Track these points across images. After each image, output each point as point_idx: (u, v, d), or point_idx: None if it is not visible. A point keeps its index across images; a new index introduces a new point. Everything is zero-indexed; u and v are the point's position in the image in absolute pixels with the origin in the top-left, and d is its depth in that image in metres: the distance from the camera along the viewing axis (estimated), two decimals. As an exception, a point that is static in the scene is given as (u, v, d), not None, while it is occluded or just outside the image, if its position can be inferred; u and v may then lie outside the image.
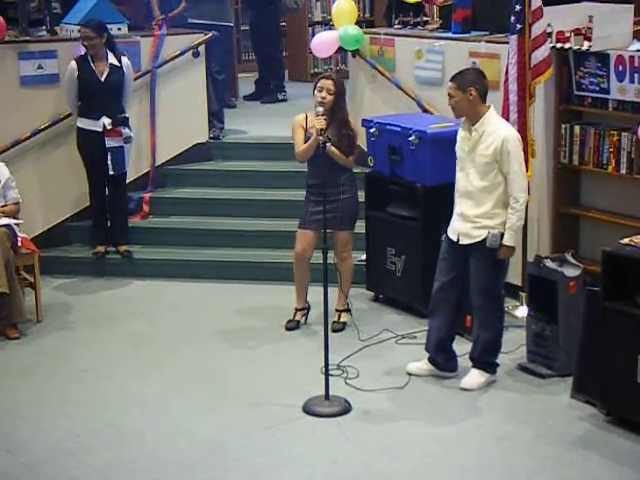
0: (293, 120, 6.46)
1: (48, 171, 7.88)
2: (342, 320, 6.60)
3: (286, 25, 11.77)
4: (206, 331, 6.68)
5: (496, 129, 5.51)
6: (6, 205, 6.83)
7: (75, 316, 7.02)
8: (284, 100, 10.24)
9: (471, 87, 5.49)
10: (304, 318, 6.66)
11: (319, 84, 6.28)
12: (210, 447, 5.16)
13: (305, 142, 6.34)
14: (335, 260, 6.50)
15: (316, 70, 11.54)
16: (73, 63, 7.48)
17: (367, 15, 11.89)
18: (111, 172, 7.52)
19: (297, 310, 6.66)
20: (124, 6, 8.37)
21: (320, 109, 6.10)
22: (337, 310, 6.61)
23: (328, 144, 5.99)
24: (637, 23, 6.44)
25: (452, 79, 5.59)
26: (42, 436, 5.31)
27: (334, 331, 6.46)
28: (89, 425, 5.42)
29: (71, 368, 6.15)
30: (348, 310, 6.63)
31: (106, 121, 7.43)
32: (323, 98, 6.23)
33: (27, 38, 7.84)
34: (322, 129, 5.95)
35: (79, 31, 7.50)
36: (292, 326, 6.62)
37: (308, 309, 6.66)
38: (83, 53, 7.54)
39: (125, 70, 7.56)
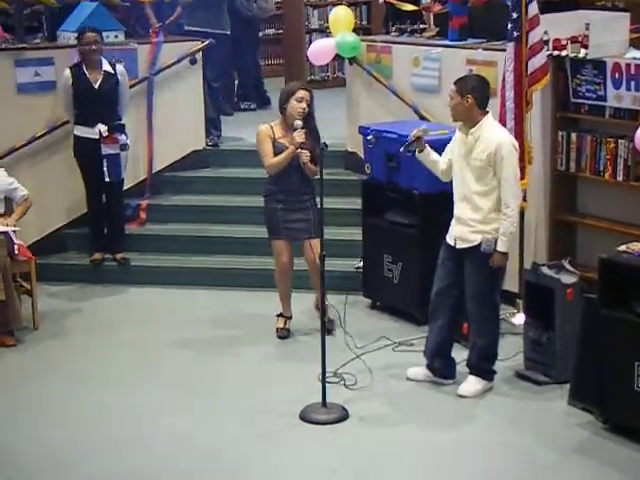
0: (258, 131, 6.45)
1: (45, 178, 7.88)
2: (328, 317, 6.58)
3: (282, 33, 11.79)
4: (203, 338, 6.67)
5: (491, 135, 5.52)
6: (18, 205, 6.94)
7: (72, 323, 7.01)
8: (248, 110, 10.22)
9: (469, 94, 5.50)
10: None
11: (299, 94, 6.29)
12: (207, 455, 5.15)
13: (275, 153, 6.32)
14: (309, 268, 6.49)
15: (313, 77, 11.56)
16: (67, 71, 7.48)
17: (364, 22, 11.91)
18: (107, 179, 7.52)
19: (287, 318, 6.66)
20: (119, 13, 8.37)
21: (299, 122, 6.13)
22: (318, 308, 6.55)
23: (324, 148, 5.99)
24: (633, 31, 6.45)
25: (455, 82, 5.61)
26: (38, 444, 5.30)
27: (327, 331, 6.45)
28: (85, 433, 5.41)
29: (67, 376, 6.14)
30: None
31: (102, 128, 7.43)
32: (303, 109, 6.27)
33: (24, 45, 7.85)
34: (302, 142, 6.02)
35: (84, 36, 7.42)
36: (285, 334, 6.61)
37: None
38: (77, 61, 7.53)
39: (120, 77, 7.56)
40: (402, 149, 5.81)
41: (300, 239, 6.48)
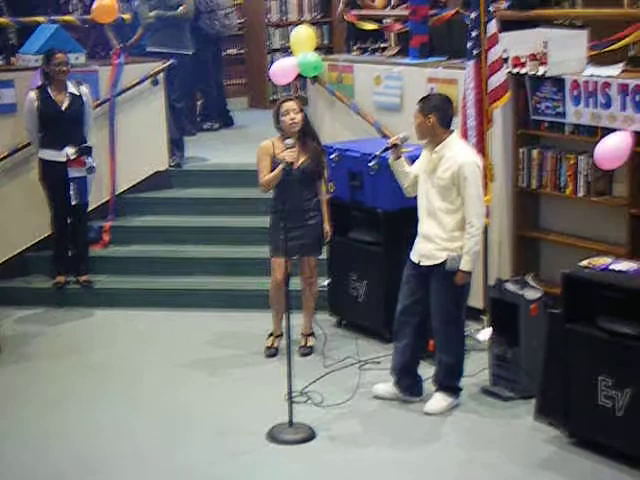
0: (259, 147, 6.39)
1: (6, 201, 7.82)
2: (309, 344, 6.61)
3: (245, 52, 11.81)
4: (170, 360, 6.63)
5: (455, 154, 5.55)
6: None
7: (36, 348, 6.94)
8: (211, 130, 10.22)
9: (431, 113, 5.53)
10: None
11: (282, 109, 6.25)
12: (176, 477, 5.11)
13: (273, 169, 6.24)
14: (301, 286, 6.51)
15: (275, 97, 11.56)
16: (32, 94, 7.43)
17: (326, 42, 11.96)
18: (74, 202, 7.47)
19: (276, 337, 6.62)
20: (79, 35, 8.36)
21: (290, 141, 5.92)
22: (303, 334, 6.62)
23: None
24: (591, 48, 6.53)
25: (418, 102, 5.64)
26: (5, 470, 5.23)
27: (302, 355, 6.49)
28: (52, 457, 5.35)
29: (33, 401, 6.08)
30: (313, 334, 6.64)
31: (69, 151, 7.39)
32: (292, 119, 6.22)
33: (-17, 68, 7.81)
34: (291, 163, 5.86)
35: (54, 57, 7.36)
36: (273, 353, 6.58)
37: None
38: (40, 83, 7.50)
39: (85, 99, 7.53)
40: (378, 153, 5.80)
41: (299, 255, 6.42)
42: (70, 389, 6.22)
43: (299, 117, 6.25)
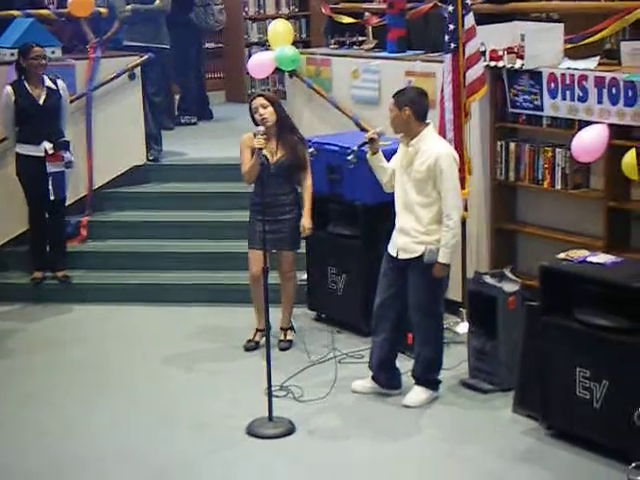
0: (240, 140, 6.42)
1: (-17, 197, 7.78)
2: (288, 338, 6.61)
3: (222, 46, 11.77)
4: (148, 355, 6.61)
5: (431, 146, 5.55)
6: None
7: (14, 344, 6.90)
8: (189, 124, 10.20)
9: (406, 106, 5.54)
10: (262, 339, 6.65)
11: (253, 105, 6.29)
12: (155, 473, 5.10)
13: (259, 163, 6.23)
14: (280, 280, 6.51)
15: (253, 91, 11.53)
16: (9, 88, 7.37)
17: (303, 35, 11.95)
18: (52, 197, 7.43)
19: (258, 331, 6.61)
20: (54, 29, 8.30)
21: (260, 128, 6.03)
22: (282, 329, 6.62)
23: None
24: (567, 41, 6.55)
25: (393, 95, 5.64)
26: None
27: (281, 349, 6.50)
28: (31, 454, 5.33)
29: (11, 397, 6.05)
30: (292, 328, 6.64)
31: (47, 146, 7.34)
32: (262, 115, 6.24)
33: (-41, 62, 7.74)
34: (260, 148, 5.92)
35: (32, 50, 7.30)
36: (251, 346, 6.58)
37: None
38: (16, 77, 7.44)
39: (62, 93, 7.49)
40: (355, 148, 5.80)
41: (275, 249, 6.42)
42: (47, 385, 6.19)
43: (268, 112, 6.25)
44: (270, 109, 6.26)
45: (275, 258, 6.51)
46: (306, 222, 6.42)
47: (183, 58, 10.00)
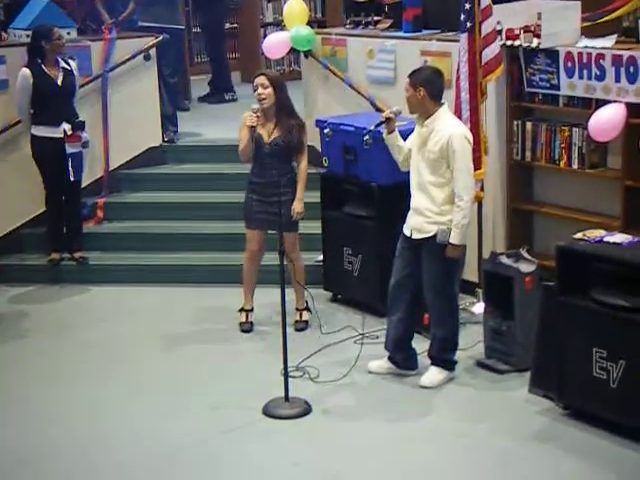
0: (242, 117, 6.41)
1: (0, 178, 7.79)
2: (304, 319, 6.63)
3: (238, 27, 11.74)
4: (164, 336, 6.64)
5: (445, 126, 5.53)
6: None
7: (31, 324, 6.94)
8: (232, 100, 10.21)
9: (421, 85, 5.51)
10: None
11: (254, 84, 6.30)
12: (170, 452, 5.13)
13: (252, 141, 6.30)
14: (285, 262, 6.51)
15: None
16: (26, 70, 7.35)
17: (319, 15, 11.89)
18: (72, 178, 7.44)
19: (248, 311, 6.65)
20: (69, 10, 8.31)
21: (255, 106, 6.12)
22: (298, 309, 6.63)
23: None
24: (584, 19, 6.50)
25: (409, 75, 5.62)
26: (0, 448, 5.25)
27: (297, 330, 6.52)
28: (47, 433, 5.37)
29: (29, 377, 6.09)
30: (307, 308, 6.65)
31: (66, 127, 7.35)
32: (260, 94, 6.25)
33: (-26, 44, 7.75)
34: (252, 126, 6.04)
35: (52, 32, 7.30)
36: (248, 328, 6.62)
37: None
38: (29, 59, 7.41)
39: (75, 73, 7.51)
40: (372, 127, 5.79)
41: (272, 230, 6.43)
42: (64, 366, 6.23)
43: (267, 92, 6.24)
44: (269, 90, 6.26)
45: (274, 239, 6.51)
46: (297, 206, 6.36)
47: (218, 34, 10.02)
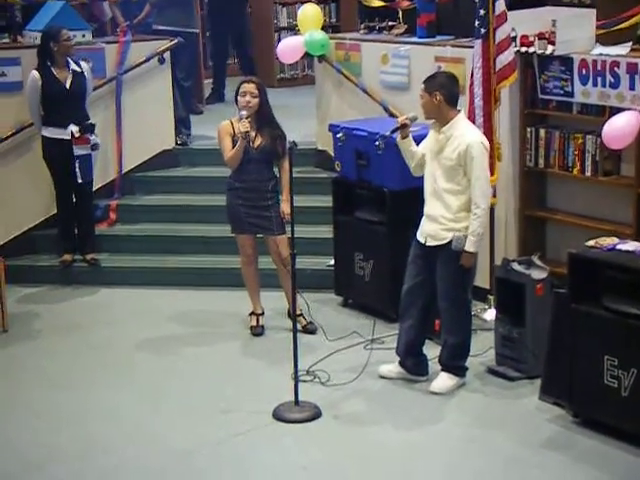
0: (218, 127, 6.47)
1: (12, 179, 7.83)
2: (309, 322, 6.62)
3: (252, 31, 11.75)
4: (173, 338, 6.65)
5: (463, 133, 5.52)
6: None
7: (42, 325, 6.96)
8: None
9: (437, 91, 5.51)
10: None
11: (241, 89, 6.32)
12: (180, 455, 5.13)
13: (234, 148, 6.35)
14: (277, 266, 6.53)
15: (282, 75, 11.54)
16: (35, 73, 7.39)
17: (333, 20, 11.90)
18: (79, 180, 7.47)
19: (258, 315, 6.66)
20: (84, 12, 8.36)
21: (243, 112, 6.20)
22: (297, 315, 6.58)
23: None
24: (599, 27, 6.49)
25: (424, 81, 5.62)
26: (9, 448, 5.27)
27: (309, 332, 6.51)
28: (55, 435, 5.38)
29: (38, 378, 6.10)
30: (302, 314, 6.59)
31: (74, 129, 7.37)
32: (248, 102, 6.28)
33: (-11, 45, 7.79)
34: (246, 132, 6.13)
35: (61, 34, 7.33)
36: (260, 332, 6.63)
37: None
38: (39, 62, 7.42)
39: (87, 75, 7.52)
40: (387, 133, 5.80)
41: (263, 234, 6.50)
42: (74, 367, 6.24)
43: (254, 102, 6.29)
44: (257, 100, 6.30)
45: (263, 243, 6.56)
46: (285, 207, 6.33)
47: (245, 34, 10.23)
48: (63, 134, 7.40)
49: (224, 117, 6.66)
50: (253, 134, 6.35)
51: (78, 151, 7.41)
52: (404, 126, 5.67)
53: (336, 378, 5.86)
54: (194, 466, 5.04)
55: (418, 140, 5.78)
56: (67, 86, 7.40)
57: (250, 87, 6.30)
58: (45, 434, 5.39)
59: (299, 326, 6.34)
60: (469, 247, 5.51)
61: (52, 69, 7.40)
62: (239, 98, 6.31)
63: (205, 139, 8.84)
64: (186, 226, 7.95)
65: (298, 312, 6.56)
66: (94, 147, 7.50)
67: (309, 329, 6.56)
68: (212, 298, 7.31)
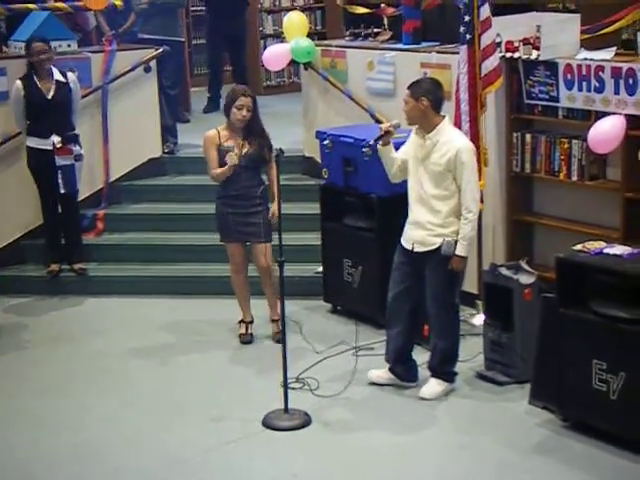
0: (204, 137, 6.47)
1: (0, 189, 7.79)
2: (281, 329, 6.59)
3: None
4: (163, 347, 6.64)
5: (451, 139, 5.54)
6: None
7: (31, 335, 6.94)
8: None
9: (423, 96, 5.52)
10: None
11: (239, 102, 6.30)
12: (171, 463, 5.12)
13: (220, 157, 6.35)
14: (260, 274, 6.55)
15: (269, 83, 11.56)
16: (18, 82, 7.39)
17: (318, 27, 11.93)
18: (62, 191, 7.45)
19: (247, 323, 6.66)
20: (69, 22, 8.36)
21: (236, 151, 6.27)
22: (274, 320, 6.60)
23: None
24: (584, 32, 6.52)
25: (408, 87, 5.63)
26: (8, 456, 5.25)
27: (277, 342, 6.40)
28: (48, 444, 5.36)
29: (28, 388, 6.08)
30: (278, 320, 6.56)
31: (55, 139, 7.36)
32: (244, 116, 6.30)
33: (-25, 56, 7.77)
34: (234, 165, 6.23)
35: (32, 46, 7.33)
36: (249, 339, 6.62)
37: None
38: (27, 72, 7.43)
39: (72, 85, 7.50)
40: (372, 141, 5.80)
41: (251, 242, 6.51)
42: (62, 376, 6.22)
43: (249, 115, 6.33)
44: (250, 115, 6.33)
45: (250, 252, 6.57)
46: (277, 210, 6.20)
47: (243, 42, 10.28)
48: (46, 144, 7.38)
49: (211, 126, 6.65)
50: (240, 142, 6.37)
51: (60, 161, 7.38)
52: (388, 133, 5.68)
53: (325, 385, 5.86)
54: (184, 474, 5.03)
55: (399, 146, 5.79)
56: (49, 96, 7.38)
57: (248, 101, 6.30)
58: (38, 443, 5.36)
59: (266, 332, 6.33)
60: (460, 251, 5.52)
61: (35, 79, 7.38)
62: (235, 111, 6.29)
63: (192, 147, 8.82)
64: (174, 235, 7.94)
65: (276, 317, 6.56)
66: (77, 158, 7.47)
67: (276, 339, 6.51)
68: (201, 306, 7.31)
